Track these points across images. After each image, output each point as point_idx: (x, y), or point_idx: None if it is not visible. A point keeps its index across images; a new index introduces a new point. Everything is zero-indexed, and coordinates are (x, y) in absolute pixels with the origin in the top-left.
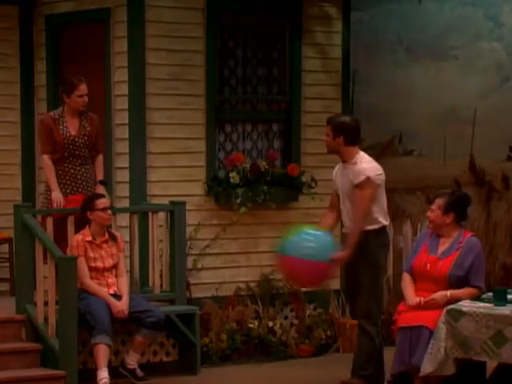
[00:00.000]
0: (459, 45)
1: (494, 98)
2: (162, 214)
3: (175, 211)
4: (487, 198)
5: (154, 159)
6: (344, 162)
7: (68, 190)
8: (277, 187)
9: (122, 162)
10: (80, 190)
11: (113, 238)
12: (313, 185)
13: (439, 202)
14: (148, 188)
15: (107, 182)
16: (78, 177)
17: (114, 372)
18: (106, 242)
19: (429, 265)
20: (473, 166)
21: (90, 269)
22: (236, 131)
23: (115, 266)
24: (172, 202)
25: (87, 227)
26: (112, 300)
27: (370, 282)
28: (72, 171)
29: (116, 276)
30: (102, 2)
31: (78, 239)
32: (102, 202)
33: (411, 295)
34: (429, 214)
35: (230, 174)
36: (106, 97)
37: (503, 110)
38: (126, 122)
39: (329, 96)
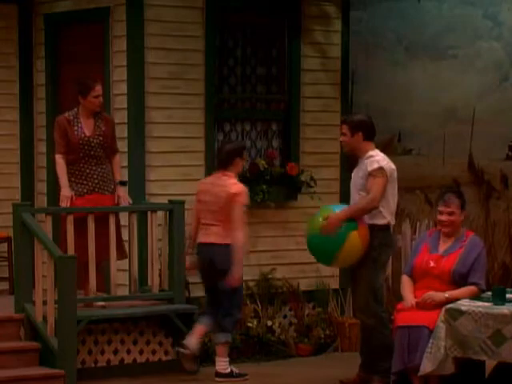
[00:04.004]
0: (458, 44)
1: (492, 97)
2: (160, 213)
3: (174, 210)
4: (486, 198)
5: (153, 158)
6: (360, 157)
7: (85, 190)
8: (276, 186)
9: (122, 160)
10: (97, 189)
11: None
12: (312, 184)
13: (455, 203)
14: (147, 187)
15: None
16: (95, 176)
17: (111, 370)
18: (219, 178)
19: (432, 262)
20: (472, 165)
21: (204, 212)
22: (235, 130)
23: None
24: (171, 201)
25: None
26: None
27: (368, 277)
28: (88, 171)
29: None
30: (101, 1)
31: (206, 183)
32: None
33: (409, 297)
34: (446, 217)
35: None
36: (105, 96)
37: (502, 109)
38: (125, 121)
39: (328, 95)
